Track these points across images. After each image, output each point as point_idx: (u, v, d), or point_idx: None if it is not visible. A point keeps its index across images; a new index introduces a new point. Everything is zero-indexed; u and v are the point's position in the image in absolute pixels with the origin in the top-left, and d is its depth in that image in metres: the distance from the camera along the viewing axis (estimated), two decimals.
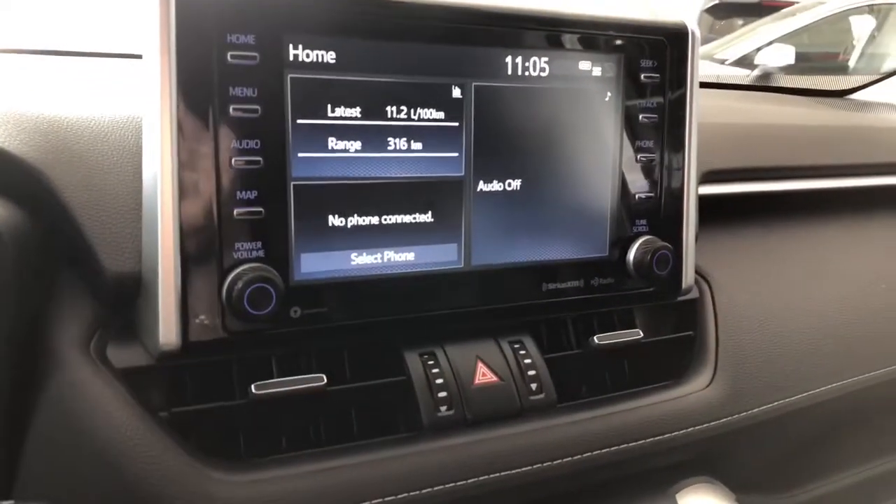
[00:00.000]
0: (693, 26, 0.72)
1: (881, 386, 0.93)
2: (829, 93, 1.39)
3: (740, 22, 5.42)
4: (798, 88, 1.38)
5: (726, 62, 3.72)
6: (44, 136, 0.57)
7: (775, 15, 4.43)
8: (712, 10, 6.06)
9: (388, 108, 0.60)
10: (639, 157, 0.71)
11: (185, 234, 0.53)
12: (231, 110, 0.54)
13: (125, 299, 0.57)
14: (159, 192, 0.52)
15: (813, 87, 1.44)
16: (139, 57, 0.53)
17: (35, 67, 0.77)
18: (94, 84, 0.71)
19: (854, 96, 1.40)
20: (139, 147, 0.56)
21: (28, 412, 0.54)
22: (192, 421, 0.58)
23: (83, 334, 0.55)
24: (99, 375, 0.54)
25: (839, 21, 3.81)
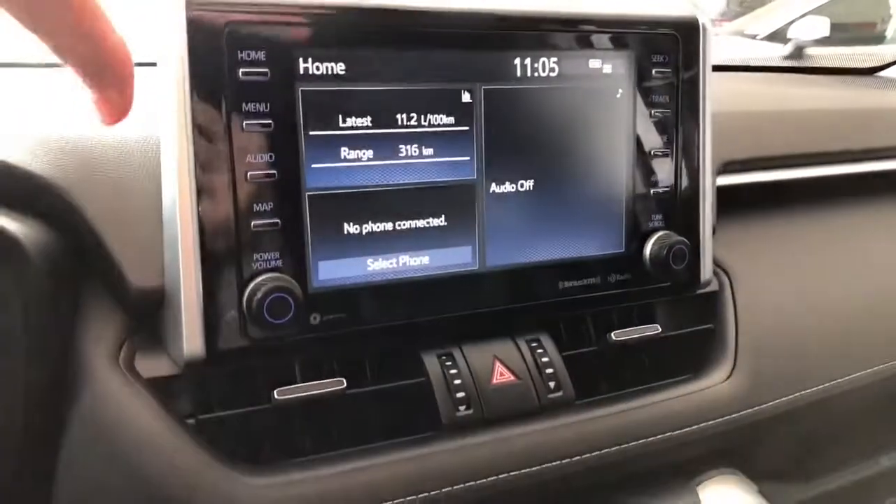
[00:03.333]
0: (704, 20, 0.71)
1: None
2: (856, 71, 1.35)
3: None
4: (823, 68, 1.35)
5: (758, 37, 3.63)
6: (68, 156, 0.58)
7: None
8: None
9: (399, 116, 0.61)
10: (652, 152, 0.71)
11: (205, 248, 0.55)
12: (245, 125, 0.55)
13: (150, 312, 0.59)
14: (178, 210, 0.54)
15: (842, 65, 1.39)
16: (153, 64, 0.54)
17: (45, 82, 0.76)
18: None
19: (884, 73, 1.36)
20: (159, 164, 0.58)
21: (60, 428, 0.56)
22: (218, 427, 0.60)
23: (112, 347, 0.57)
24: (128, 386, 0.56)
25: None
